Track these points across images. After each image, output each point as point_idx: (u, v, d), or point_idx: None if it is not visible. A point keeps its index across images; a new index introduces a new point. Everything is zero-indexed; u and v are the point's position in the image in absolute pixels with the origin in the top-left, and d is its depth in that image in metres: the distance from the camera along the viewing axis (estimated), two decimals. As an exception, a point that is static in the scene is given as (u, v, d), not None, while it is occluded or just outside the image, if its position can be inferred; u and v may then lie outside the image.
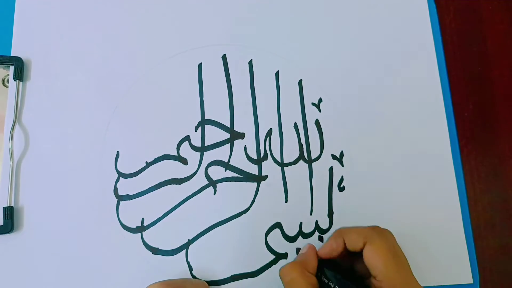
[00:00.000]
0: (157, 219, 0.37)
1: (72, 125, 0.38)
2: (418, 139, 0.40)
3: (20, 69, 0.38)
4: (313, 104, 0.40)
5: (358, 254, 0.32)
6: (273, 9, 0.42)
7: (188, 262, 0.36)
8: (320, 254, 0.33)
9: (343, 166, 0.39)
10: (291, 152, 0.39)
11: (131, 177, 0.37)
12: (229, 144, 0.39)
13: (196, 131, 0.39)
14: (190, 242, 0.36)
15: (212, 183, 0.38)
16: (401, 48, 0.42)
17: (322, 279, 0.32)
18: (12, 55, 0.39)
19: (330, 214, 0.38)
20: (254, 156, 0.38)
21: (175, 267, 0.36)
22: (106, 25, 0.40)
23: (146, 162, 0.38)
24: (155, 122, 0.38)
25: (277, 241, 0.37)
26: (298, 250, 0.37)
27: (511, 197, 0.41)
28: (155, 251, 0.36)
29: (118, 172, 0.37)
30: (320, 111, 0.40)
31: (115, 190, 0.37)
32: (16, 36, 0.39)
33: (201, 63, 0.40)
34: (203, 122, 0.39)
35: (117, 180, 0.37)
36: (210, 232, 0.37)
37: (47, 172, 0.37)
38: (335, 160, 0.39)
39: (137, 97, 0.39)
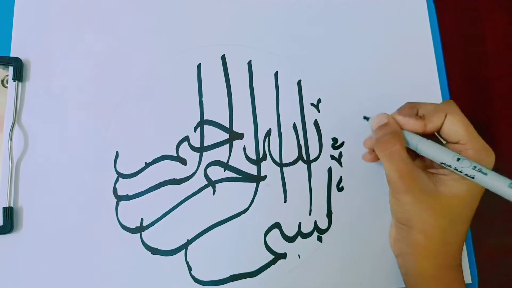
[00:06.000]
0: (156, 219, 0.37)
1: (72, 126, 0.38)
2: (417, 139, 0.40)
3: (19, 69, 0.38)
4: (312, 104, 0.40)
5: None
6: (273, 9, 0.42)
7: (187, 262, 0.36)
8: (399, 120, 0.32)
9: (342, 166, 0.39)
10: (290, 152, 0.39)
11: (130, 178, 0.37)
12: (228, 144, 0.39)
13: (195, 131, 0.39)
14: (189, 242, 0.37)
15: (211, 183, 0.38)
16: (400, 48, 0.42)
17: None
18: (11, 55, 0.39)
19: (329, 214, 0.38)
20: (253, 156, 0.39)
21: (174, 267, 0.36)
22: (106, 25, 0.40)
23: (146, 162, 0.38)
24: (154, 122, 0.39)
25: (276, 241, 0.37)
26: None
27: (510, 197, 0.41)
28: (154, 251, 0.36)
29: (117, 172, 0.37)
30: (319, 112, 0.40)
31: (114, 190, 0.37)
32: (16, 36, 0.39)
33: (200, 63, 0.40)
34: (202, 123, 0.39)
35: (116, 180, 0.37)
36: (209, 232, 0.37)
37: (46, 173, 0.37)
38: (334, 161, 0.39)
39: (137, 98, 0.39)
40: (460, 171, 0.29)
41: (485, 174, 0.28)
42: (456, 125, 0.30)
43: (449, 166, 0.30)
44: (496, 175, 0.28)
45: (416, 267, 0.31)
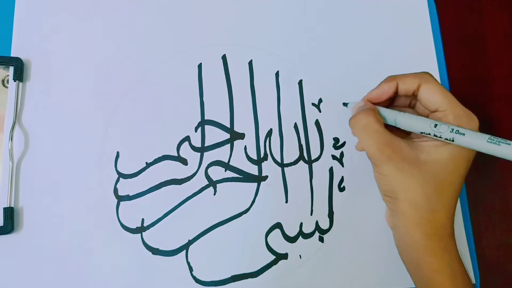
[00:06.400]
0: (157, 219, 0.37)
1: (72, 126, 0.38)
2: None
3: (19, 69, 0.38)
4: (313, 104, 0.40)
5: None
6: (273, 9, 0.42)
7: (188, 263, 0.36)
8: (369, 97, 0.33)
9: (343, 166, 0.39)
10: (291, 152, 0.39)
11: (131, 178, 0.37)
12: (229, 144, 0.39)
13: (196, 131, 0.39)
14: (190, 242, 0.36)
15: (212, 183, 0.38)
16: (401, 48, 0.42)
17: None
18: (11, 55, 0.38)
19: (331, 215, 0.38)
20: (254, 156, 0.38)
21: (175, 268, 0.36)
22: (106, 25, 0.40)
23: (146, 162, 0.38)
24: (155, 122, 0.38)
25: (278, 242, 0.37)
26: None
27: (511, 197, 0.41)
28: (155, 251, 0.36)
29: (118, 172, 0.37)
30: (320, 112, 0.40)
31: (115, 190, 0.37)
32: (16, 36, 0.39)
33: (201, 63, 0.40)
34: (203, 123, 0.39)
35: (117, 180, 0.37)
36: (210, 232, 0.37)
37: (47, 173, 0.37)
38: (335, 161, 0.39)
39: (137, 97, 0.39)
40: (440, 137, 0.29)
41: (463, 134, 0.28)
42: (432, 93, 0.30)
43: (428, 134, 0.30)
44: (473, 133, 0.28)
45: (406, 237, 0.31)
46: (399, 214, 0.31)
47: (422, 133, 0.30)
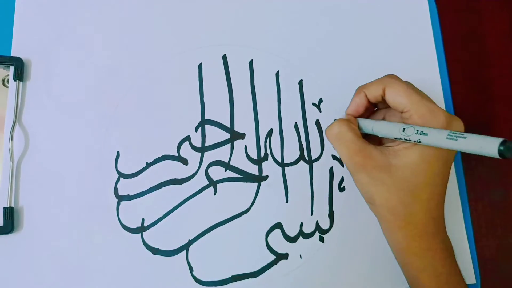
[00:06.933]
0: (157, 219, 0.37)
1: (72, 125, 0.38)
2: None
3: (20, 69, 0.38)
4: (313, 104, 0.40)
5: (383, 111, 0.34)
6: (274, 9, 0.42)
7: (188, 263, 0.36)
8: (348, 113, 0.34)
9: (343, 166, 0.39)
10: (292, 152, 0.39)
11: (131, 178, 0.37)
12: (229, 144, 0.39)
13: (196, 131, 0.39)
14: (190, 242, 0.36)
15: (212, 183, 0.38)
16: (401, 48, 0.42)
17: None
18: (12, 55, 0.38)
19: (331, 215, 0.38)
20: (254, 156, 0.38)
21: (175, 268, 0.36)
22: (106, 25, 0.40)
23: (147, 162, 0.38)
24: (155, 122, 0.38)
25: (278, 242, 0.37)
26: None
27: (511, 197, 0.41)
28: (155, 251, 0.36)
29: (118, 172, 0.37)
30: (320, 111, 0.40)
31: (116, 190, 0.37)
32: (16, 36, 0.39)
33: (201, 63, 0.40)
34: (204, 122, 0.39)
35: (118, 180, 0.37)
36: (211, 232, 0.37)
37: (47, 173, 0.37)
38: (336, 161, 0.39)
39: (137, 97, 0.39)
40: (409, 140, 0.29)
41: (426, 134, 0.28)
42: (396, 95, 0.30)
43: (400, 138, 0.30)
44: (434, 131, 0.28)
45: (390, 240, 0.32)
46: (380, 219, 0.32)
47: (395, 138, 0.30)
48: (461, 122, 0.30)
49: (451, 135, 0.27)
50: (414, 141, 0.29)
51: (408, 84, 0.31)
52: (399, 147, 0.30)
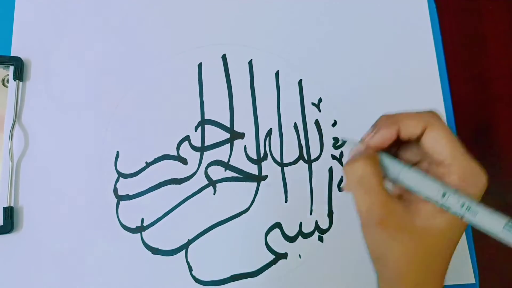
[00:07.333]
0: (157, 219, 0.37)
1: (72, 125, 0.38)
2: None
3: (19, 69, 0.38)
4: (313, 104, 0.40)
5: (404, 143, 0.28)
6: (273, 9, 0.42)
7: (187, 262, 0.36)
8: (370, 145, 0.27)
9: (342, 166, 0.39)
10: (291, 152, 0.39)
11: (131, 177, 0.37)
12: (229, 144, 0.39)
13: (196, 131, 0.39)
14: (189, 242, 0.36)
15: (212, 183, 0.38)
16: (401, 48, 0.42)
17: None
18: (12, 55, 0.39)
19: (330, 214, 0.38)
20: (254, 156, 0.38)
21: (174, 267, 0.36)
22: (106, 25, 0.40)
23: (146, 162, 0.38)
24: (155, 122, 0.38)
25: (277, 241, 0.37)
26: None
27: (511, 197, 0.41)
28: (154, 251, 0.36)
29: (118, 172, 0.37)
30: (320, 111, 0.40)
31: (115, 190, 0.37)
32: (16, 36, 0.39)
33: (201, 63, 0.40)
34: (203, 122, 0.39)
35: (117, 180, 0.37)
36: (210, 232, 0.37)
37: (47, 172, 0.37)
38: (335, 160, 0.39)
39: (137, 97, 0.39)
40: (448, 208, 0.24)
41: (475, 213, 0.24)
42: (437, 142, 0.25)
43: (434, 201, 0.25)
44: (488, 214, 0.23)
45: None
46: (382, 277, 0.28)
47: (427, 198, 0.25)
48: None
49: (511, 227, 0.23)
50: (454, 212, 0.24)
51: (450, 130, 0.26)
52: (428, 208, 0.25)
